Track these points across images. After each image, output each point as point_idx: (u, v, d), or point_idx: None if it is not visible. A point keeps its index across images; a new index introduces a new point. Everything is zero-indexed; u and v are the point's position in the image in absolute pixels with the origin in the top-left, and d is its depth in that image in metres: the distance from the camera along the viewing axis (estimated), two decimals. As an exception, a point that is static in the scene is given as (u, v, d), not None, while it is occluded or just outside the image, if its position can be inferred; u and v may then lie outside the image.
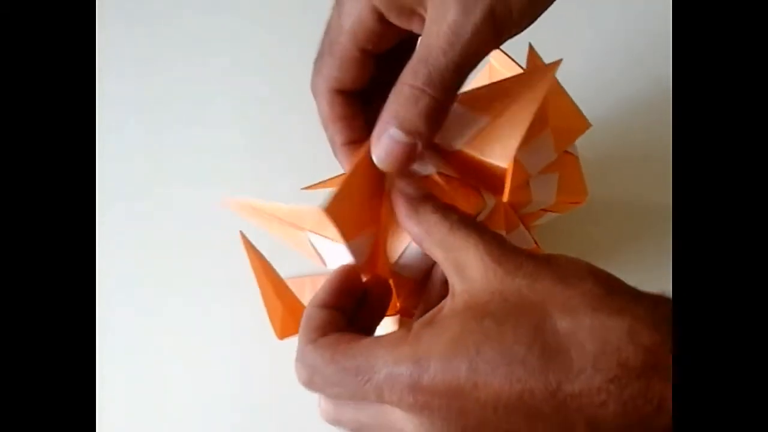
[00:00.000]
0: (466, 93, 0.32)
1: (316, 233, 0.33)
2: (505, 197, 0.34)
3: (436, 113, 0.29)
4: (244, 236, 0.34)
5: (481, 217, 0.33)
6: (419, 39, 0.29)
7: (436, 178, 0.32)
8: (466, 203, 0.32)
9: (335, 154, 0.34)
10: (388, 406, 0.26)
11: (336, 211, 0.29)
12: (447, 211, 0.29)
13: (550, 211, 0.40)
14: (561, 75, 0.34)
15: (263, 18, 0.57)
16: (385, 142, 0.29)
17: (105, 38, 0.54)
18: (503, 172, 0.32)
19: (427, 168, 0.32)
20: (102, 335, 0.42)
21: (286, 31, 0.55)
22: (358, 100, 0.33)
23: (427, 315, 0.27)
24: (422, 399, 0.25)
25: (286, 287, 0.35)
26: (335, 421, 0.29)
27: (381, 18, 0.30)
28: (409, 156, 0.29)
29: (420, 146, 0.29)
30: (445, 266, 0.28)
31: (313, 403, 0.43)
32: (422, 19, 0.29)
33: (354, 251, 0.31)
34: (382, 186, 0.32)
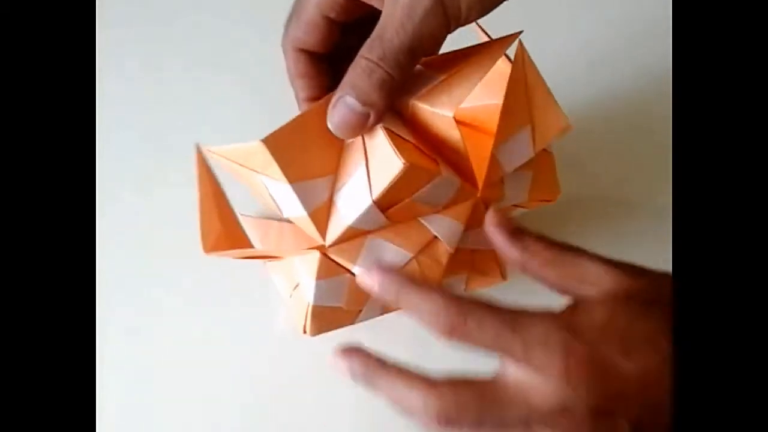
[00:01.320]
0: (429, 58, 0.34)
1: (267, 176, 0.33)
2: (479, 192, 0.34)
3: (389, 86, 0.31)
4: (200, 152, 0.32)
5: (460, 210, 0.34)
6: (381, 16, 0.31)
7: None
8: (421, 161, 0.32)
9: (299, 109, 0.36)
10: (524, 372, 0.26)
11: (277, 145, 0.30)
12: (544, 237, 0.30)
13: (520, 207, 0.40)
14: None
15: (264, 16, 0.57)
16: (340, 109, 0.32)
17: (105, 37, 0.54)
18: (459, 145, 0.32)
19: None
20: (102, 335, 0.42)
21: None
22: (324, 62, 0.36)
23: (568, 305, 0.28)
24: (573, 364, 0.25)
25: (230, 210, 0.34)
26: (458, 406, 0.27)
27: None
28: (361, 124, 0.32)
29: (372, 117, 0.31)
30: (562, 282, 0.29)
31: (314, 402, 0.43)
32: None
33: (301, 195, 0.32)
34: (338, 139, 0.33)
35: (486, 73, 0.32)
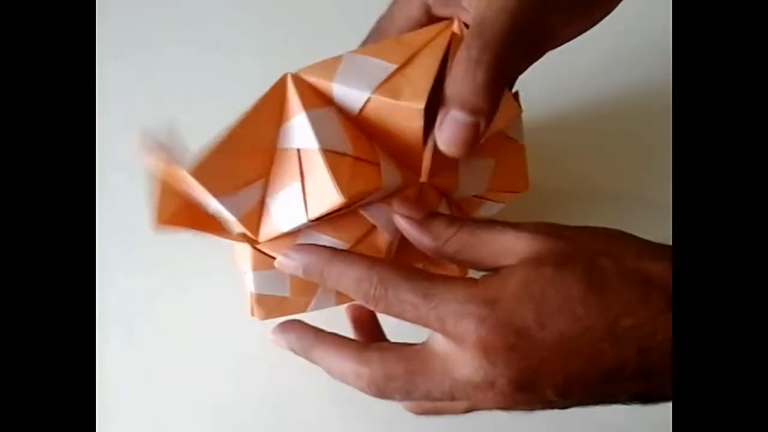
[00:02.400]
0: (366, 46, 0.33)
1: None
2: (423, 177, 0.33)
3: (495, 84, 0.28)
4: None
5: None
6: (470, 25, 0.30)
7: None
8: (360, 184, 0.30)
9: None
10: (448, 347, 0.27)
11: (204, 173, 0.29)
12: (456, 221, 0.30)
13: (489, 199, 0.37)
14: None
15: (265, 13, 0.57)
16: (448, 125, 0.29)
17: (105, 37, 0.54)
18: (416, 134, 0.31)
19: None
20: (102, 335, 0.42)
21: (288, 28, 0.55)
22: None
23: (486, 275, 0.28)
24: (488, 337, 0.26)
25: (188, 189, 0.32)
26: (386, 378, 0.29)
27: (428, 11, 0.32)
28: (474, 135, 0.29)
29: (483, 125, 0.29)
30: (480, 263, 0.29)
31: (313, 401, 0.43)
32: (461, 6, 0.31)
33: (230, 207, 0.31)
34: (267, 141, 0.31)
35: (438, 61, 0.31)
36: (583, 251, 0.27)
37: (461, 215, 0.36)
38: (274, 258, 0.32)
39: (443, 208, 0.35)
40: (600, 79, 0.52)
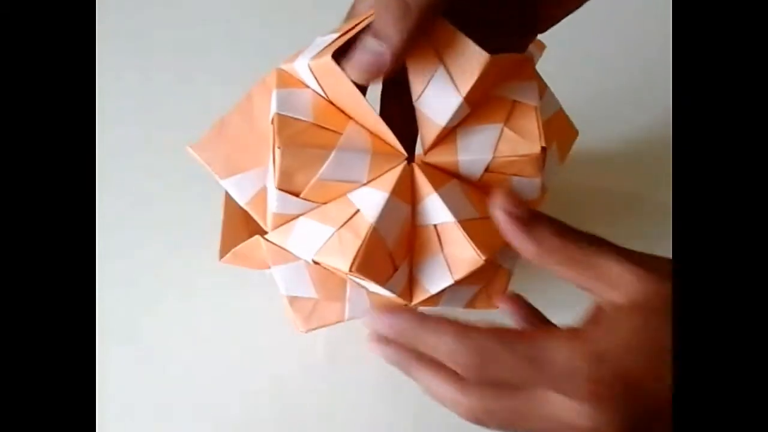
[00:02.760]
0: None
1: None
2: (425, 147, 0.33)
3: (409, 17, 0.29)
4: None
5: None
6: None
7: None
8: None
9: None
10: (554, 395, 0.26)
11: (203, 149, 0.34)
12: (562, 227, 0.28)
13: (506, 173, 0.34)
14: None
15: (264, 13, 0.57)
16: (359, 51, 0.30)
17: (105, 37, 0.54)
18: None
19: None
20: (102, 335, 0.42)
21: (288, 27, 0.55)
22: None
23: (590, 316, 0.27)
24: (601, 389, 0.25)
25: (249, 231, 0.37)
26: (486, 412, 0.28)
27: None
28: (376, 63, 0.29)
29: (388, 54, 0.29)
30: (581, 282, 0.28)
31: (315, 401, 0.43)
32: None
33: (233, 189, 0.34)
34: (262, 126, 0.34)
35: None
36: None
37: (482, 197, 0.34)
38: (286, 250, 0.34)
39: (456, 190, 0.34)
40: (600, 79, 0.52)
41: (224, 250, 0.38)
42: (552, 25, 0.34)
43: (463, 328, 0.27)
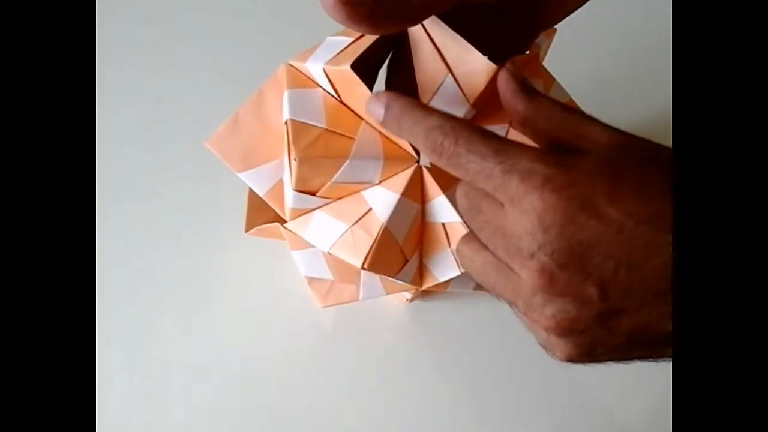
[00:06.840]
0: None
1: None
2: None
3: None
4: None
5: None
6: None
7: None
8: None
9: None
10: (510, 196, 0.25)
11: (218, 144, 0.36)
12: (553, 99, 0.28)
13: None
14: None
15: (264, 13, 0.57)
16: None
17: (105, 34, 0.54)
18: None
19: None
20: (102, 335, 0.42)
21: (288, 26, 0.55)
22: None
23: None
24: (550, 198, 0.24)
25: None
26: (464, 195, 0.28)
27: None
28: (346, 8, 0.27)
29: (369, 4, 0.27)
30: (560, 135, 0.27)
31: (314, 401, 0.43)
32: None
33: (251, 182, 0.36)
34: (274, 120, 0.36)
35: None
36: (667, 156, 0.25)
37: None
38: (301, 237, 0.36)
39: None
40: (601, 75, 0.52)
41: (249, 225, 0.41)
42: (556, 22, 0.34)
43: (449, 114, 0.27)
